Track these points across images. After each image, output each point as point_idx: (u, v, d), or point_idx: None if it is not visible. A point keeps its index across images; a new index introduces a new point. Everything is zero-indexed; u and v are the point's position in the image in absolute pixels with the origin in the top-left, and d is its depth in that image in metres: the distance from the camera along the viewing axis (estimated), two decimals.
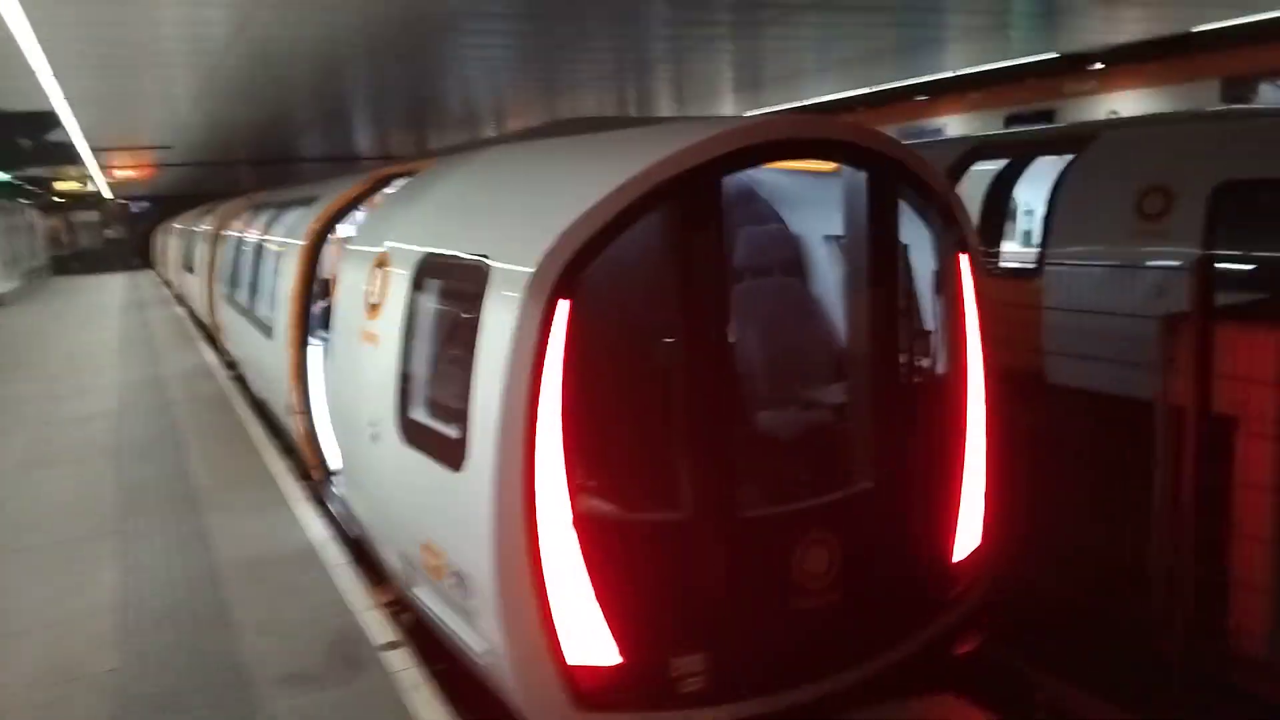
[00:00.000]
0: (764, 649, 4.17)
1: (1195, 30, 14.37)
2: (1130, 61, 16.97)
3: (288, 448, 9.02)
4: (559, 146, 5.02)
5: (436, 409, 4.52)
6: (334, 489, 7.47)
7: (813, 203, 5.84)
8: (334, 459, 7.73)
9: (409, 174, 7.38)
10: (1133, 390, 6.89)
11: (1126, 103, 17.44)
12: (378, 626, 5.16)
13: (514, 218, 4.37)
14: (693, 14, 12.71)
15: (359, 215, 8.04)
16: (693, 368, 3.92)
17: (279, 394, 8.80)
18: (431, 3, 10.68)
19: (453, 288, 4.52)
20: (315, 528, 6.78)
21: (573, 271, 3.72)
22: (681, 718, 4.06)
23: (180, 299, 25.36)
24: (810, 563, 4.21)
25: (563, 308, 3.72)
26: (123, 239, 50.69)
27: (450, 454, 4.13)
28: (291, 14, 10.45)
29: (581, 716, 3.97)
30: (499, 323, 3.84)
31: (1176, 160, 7.99)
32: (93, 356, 15.88)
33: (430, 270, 4.73)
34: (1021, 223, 12.46)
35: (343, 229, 8.09)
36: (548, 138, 5.35)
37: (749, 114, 23.93)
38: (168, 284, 31.64)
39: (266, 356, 9.17)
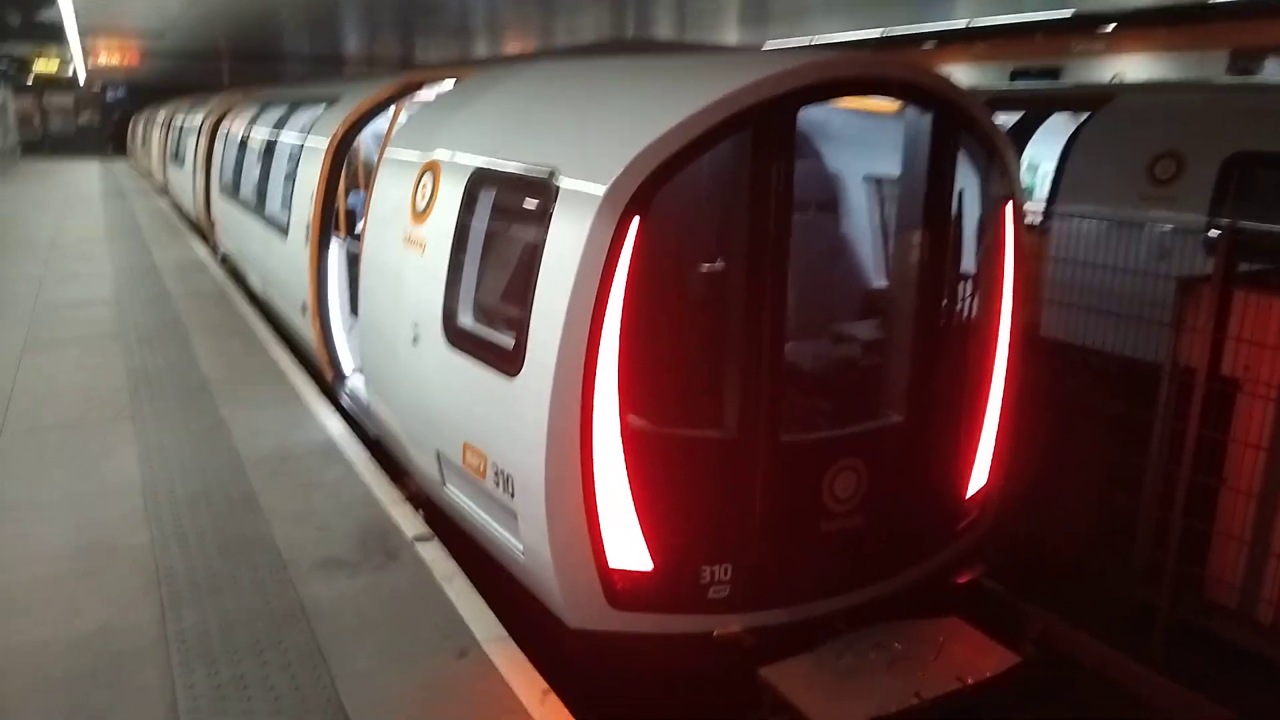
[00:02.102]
0: (788, 565, 4.41)
1: (1209, 1, 14.45)
2: (1141, 25, 17.03)
3: (290, 344, 9.09)
4: (627, 66, 5.06)
5: (490, 316, 4.62)
6: (348, 389, 7.58)
7: (852, 141, 5.94)
8: (347, 359, 7.84)
9: (436, 81, 7.36)
10: (1131, 346, 7.14)
11: (1133, 66, 17.54)
12: (407, 520, 5.34)
13: (585, 134, 4.43)
14: None
15: (383, 119, 8.00)
16: (750, 294, 4.06)
17: (289, 293, 8.83)
18: None
19: (514, 199, 4.58)
20: (332, 424, 6.90)
21: (646, 190, 3.81)
22: (707, 621, 4.29)
23: (163, 190, 24.93)
24: (838, 488, 4.43)
25: (634, 226, 3.82)
26: (96, 126, 49.51)
27: (504, 360, 4.26)
28: None
29: (614, 615, 4.19)
30: (567, 236, 3.93)
31: (1191, 129, 8.18)
32: (80, 244, 15.67)
33: (488, 180, 4.78)
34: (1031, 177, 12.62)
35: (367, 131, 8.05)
36: (606, 56, 5.38)
37: (763, 47, 23.76)
38: (147, 175, 31.02)
39: (278, 256, 9.17)
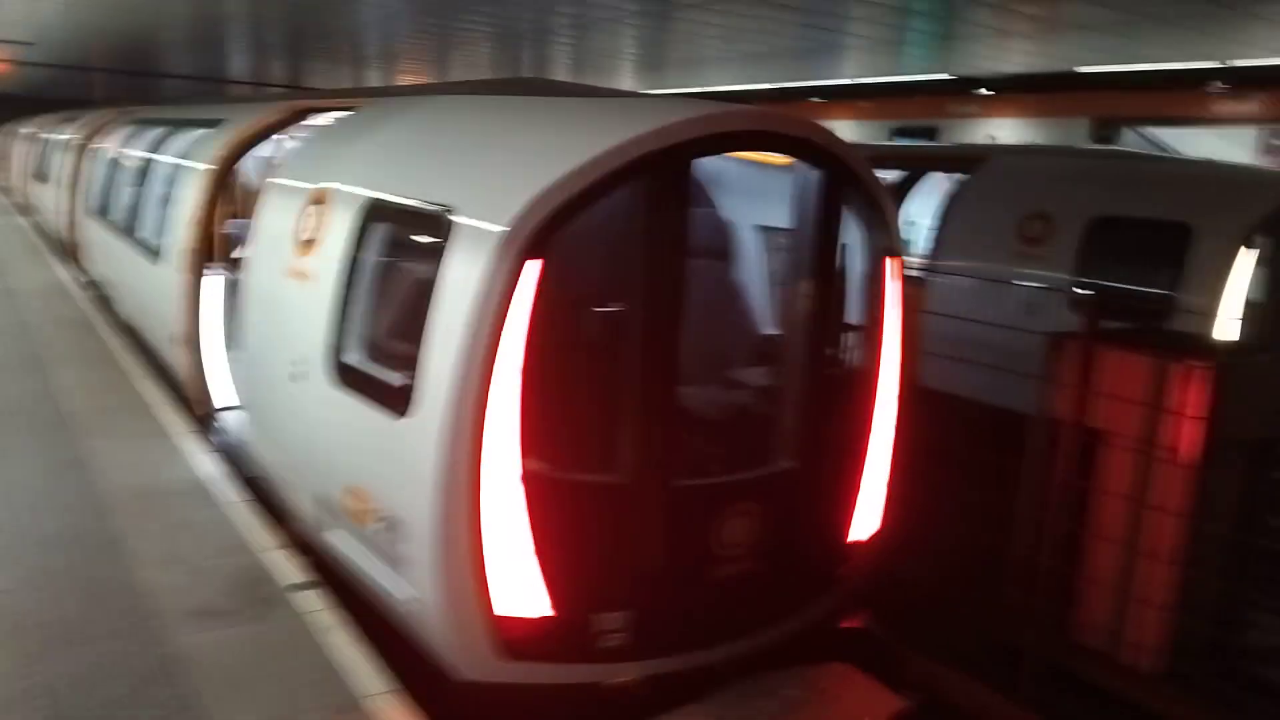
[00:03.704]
0: (681, 611, 4.39)
1: (1076, 71, 15.43)
2: (1013, 91, 18.08)
3: (161, 376, 8.65)
4: (527, 106, 5.03)
5: (379, 354, 4.50)
6: (223, 425, 7.25)
7: (744, 191, 6.06)
8: (222, 395, 7.51)
9: (326, 110, 7.19)
10: (1003, 398, 7.46)
11: (1004, 129, 18.58)
12: (283, 566, 5.10)
13: (482, 172, 4.38)
14: None
15: (269, 145, 7.78)
16: (645, 340, 4.07)
17: (160, 322, 8.43)
18: None
19: (407, 235, 4.49)
20: (203, 463, 6.57)
21: (545, 233, 3.80)
22: (600, 671, 4.24)
23: (23, 209, 23.57)
24: (731, 534, 4.46)
25: (531, 268, 3.79)
26: None
27: (393, 400, 4.15)
28: None
29: (504, 665, 4.09)
30: (463, 276, 3.87)
31: (1059, 191, 8.67)
32: None
33: (379, 214, 4.67)
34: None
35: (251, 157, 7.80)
36: (506, 94, 5.35)
37: (656, 94, 24.09)
38: (4, 190, 29.29)
39: (150, 282, 8.74)
